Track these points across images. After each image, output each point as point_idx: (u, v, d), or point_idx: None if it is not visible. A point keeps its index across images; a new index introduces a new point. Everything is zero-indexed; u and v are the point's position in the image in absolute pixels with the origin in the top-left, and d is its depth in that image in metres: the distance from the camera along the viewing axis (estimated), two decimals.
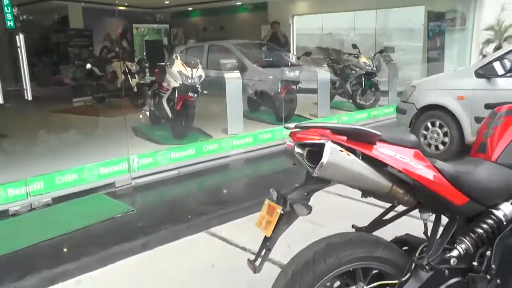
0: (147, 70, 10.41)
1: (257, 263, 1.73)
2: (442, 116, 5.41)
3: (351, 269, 1.72)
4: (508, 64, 2.72)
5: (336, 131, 1.68)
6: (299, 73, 7.81)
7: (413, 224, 2.10)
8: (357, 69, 9.25)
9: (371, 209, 2.27)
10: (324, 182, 1.77)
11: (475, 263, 1.80)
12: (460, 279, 1.80)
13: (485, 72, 4.89)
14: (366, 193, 1.87)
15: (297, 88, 7.75)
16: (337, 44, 13.38)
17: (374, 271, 1.77)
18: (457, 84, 5.36)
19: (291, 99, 7.57)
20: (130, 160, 4.81)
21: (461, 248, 1.76)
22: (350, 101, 9.31)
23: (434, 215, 1.85)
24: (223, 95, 6.36)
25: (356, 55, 9.39)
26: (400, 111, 6.04)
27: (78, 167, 4.47)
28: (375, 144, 1.67)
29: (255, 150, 6.08)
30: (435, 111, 5.49)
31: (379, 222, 2.09)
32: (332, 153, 1.55)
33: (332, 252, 1.68)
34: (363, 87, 9.15)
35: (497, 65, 4.67)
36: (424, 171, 1.69)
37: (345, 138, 1.65)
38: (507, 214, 1.82)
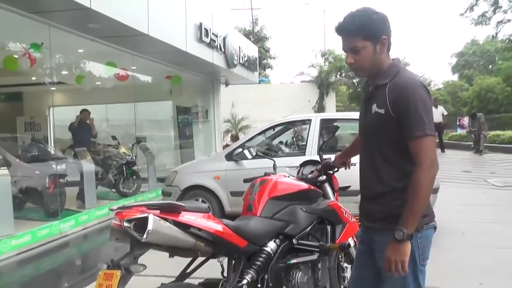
0: None
1: None
2: (204, 194, 6.45)
3: None
4: (246, 151, 3.81)
5: (150, 207, 2.31)
6: (66, 166, 7.93)
7: (208, 272, 2.78)
8: (118, 159, 9.74)
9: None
10: (145, 247, 2.34)
11: (259, 286, 2.59)
12: None
13: (232, 157, 6.33)
14: (173, 252, 2.50)
15: (65, 181, 7.83)
16: None
17: None
18: (213, 166, 6.56)
19: (60, 193, 7.56)
20: None
21: (249, 277, 2.52)
22: (114, 190, 9.65)
23: (226, 259, 2.60)
24: None
25: (116, 146, 9.95)
26: (165, 194, 6.86)
27: None
28: (180, 213, 2.35)
29: (32, 248, 5.93)
30: (197, 190, 6.50)
31: (184, 275, 2.72)
32: (154, 222, 2.14)
33: None
34: (125, 175, 9.61)
35: (239, 152, 6.11)
36: (216, 226, 2.43)
37: (158, 211, 2.28)
38: (273, 248, 2.70)
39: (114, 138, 9.99)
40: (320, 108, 22.01)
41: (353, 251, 3.49)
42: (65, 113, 11.99)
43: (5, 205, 5.99)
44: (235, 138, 16.34)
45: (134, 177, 9.81)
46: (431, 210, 2.21)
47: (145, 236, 2.09)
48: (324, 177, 3.36)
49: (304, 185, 3.08)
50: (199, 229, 2.34)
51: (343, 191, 3.55)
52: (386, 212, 2.18)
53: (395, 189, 2.14)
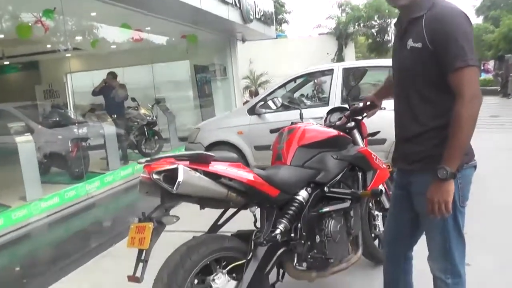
0: None
1: (138, 274, 2.12)
2: (227, 149, 6.39)
3: (208, 262, 2.24)
4: (271, 102, 3.69)
5: (179, 158, 2.24)
6: (87, 129, 7.98)
7: (239, 225, 2.74)
8: (139, 121, 9.80)
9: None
10: (175, 200, 2.29)
11: (292, 235, 2.54)
12: (285, 249, 2.51)
13: (254, 111, 6.27)
14: (204, 204, 2.45)
15: (88, 144, 7.89)
16: None
17: (223, 262, 2.34)
18: (235, 122, 6.49)
19: (83, 156, 7.64)
20: None
21: (282, 226, 2.47)
22: (136, 151, 9.73)
23: (259, 209, 2.54)
24: (12, 162, 6.15)
25: (136, 108, 9.96)
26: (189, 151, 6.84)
27: None
28: (210, 163, 2.28)
29: (61, 210, 6.04)
30: (221, 146, 6.46)
31: (215, 227, 2.69)
32: (184, 173, 2.08)
33: (193, 251, 2.18)
34: (147, 136, 9.71)
35: (261, 105, 6.06)
36: (248, 175, 2.36)
37: (187, 162, 2.21)
38: (304, 197, 2.63)
39: (133, 100, 9.94)
40: (340, 60, 21.69)
41: (384, 199, 3.44)
42: (83, 79, 12.04)
43: (32, 170, 6.08)
44: (254, 93, 16.18)
45: (156, 137, 9.90)
46: (471, 149, 2.10)
47: (175, 187, 2.03)
48: (353, 123, 3.27)
49: (333, 132, 2.98)
50: (230, 179, 2.28)
51: (371, 137, 3.46)
52: (424, 153, 2.08)
53: (432, 128, 2.04)
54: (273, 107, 3.67)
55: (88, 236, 5.18)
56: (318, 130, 2.99)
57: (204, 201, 2.37)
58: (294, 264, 2.59)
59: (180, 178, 2.04)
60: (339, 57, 22.00)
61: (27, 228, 5.40)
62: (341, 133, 3.04)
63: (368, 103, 2.99)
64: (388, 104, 2.57)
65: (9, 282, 3.98)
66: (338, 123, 3.30)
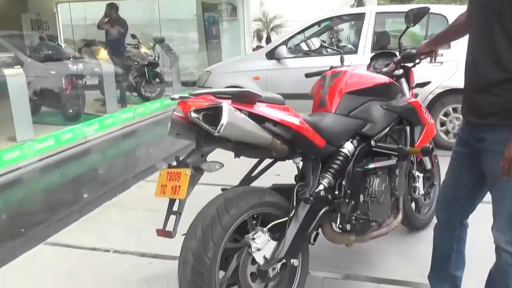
0: None
1: (168, 228, 1.98)
2: None
3: (246, 219, 2.09)
4: (304, 44, 3.48)
5: (219, 95, 2.06)
6: (83, 66, 7.75)
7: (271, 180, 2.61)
8: (139, 60, 9.50)
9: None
10: (213, 144, 2.14)
11: (336, 192, 2.41)
12: (328, 208, 2.37)
13: (274, 55, 6.03)
14: (241, 152, 2.29)
15: (84, 83, 7.68)
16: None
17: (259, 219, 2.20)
18: (251, 66, 6.28)
19: (79, 95, 7.44)
20: None
21: (325, 182, 2.33)
22: (135, 94, 9.52)
23: (301, 163, 2.38)
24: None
25: (136, 46, 9.64)
26: None
27: None
28: (255, 103, 2.11)
29: (57, 153, 5.91)
30: None
31: (247, 180, 2.56)
32: (230, 113, 1.90)
33: (231, 204, 2.02)
34: (147, 78, 9.47)
35: (283, 49, 5.83)
36: (295, 119, 2.19)
37: (229, 101, 2.04)
38: (350, 150, 2.48)
39: (133, 37, 9.62)
40: (360, 5, 21.06)
41: (426, 158, 3.32)
42: (76, 10, 11.60)
43: (22, 107, 5.87)
44: (267, 39, 15.79)
45: (157, 79, 9.66)
46: None
47: (218, 128, 1.86)
48: (401, 71, 3.11)
49: (384, 78, 2.80)
50: (275, 124, 2.11)
51: (421, 88, 3.30)
52: (502, 105, 1.91)
53: None
54: (306, 48, 3.46)
55: (88, 183, 5.05)
56: (368, 75, 2.83)
57: (243, 148, 2.21)
58: (336, 225, 2.48)
59: (225, 119, 1.86)
60: (359, 4, 21.42)
61: (20, 172, 5.27)
62: (393, 80, 2.87)
63: (425, 49, 2.81)
64: None
65: (4, 230, 3.86)
66: (384, 69, 3.13)
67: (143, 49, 9.56)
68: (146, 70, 9.43)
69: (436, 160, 3.48)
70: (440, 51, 2.89)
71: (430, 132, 3.08)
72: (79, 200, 4.38)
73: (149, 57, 9.47)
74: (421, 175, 3.28)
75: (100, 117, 7.24)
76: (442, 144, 5.32)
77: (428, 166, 3.35)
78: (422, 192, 3.25)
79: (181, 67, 10.40)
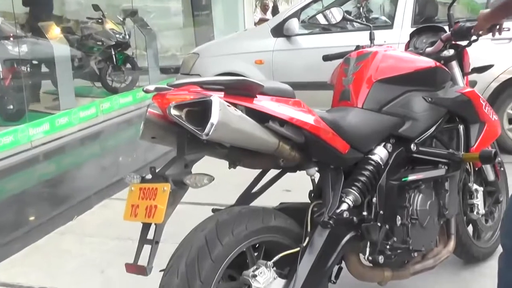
0: None
1: (141, 262, 1.96)
2: None
3: (244, 249, 2.08)
4: (321, 16, 3.47)
5: (208, 85, 2.06)
6: (28, 48, 7.79)
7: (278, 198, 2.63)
8: (103, 40, 9.51)
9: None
10: (200, 151, 2.14)
11: (365, 213, 2.41)
12: (354, 234, 2.37)
13: (282, 31, 6.04)
14: (237, 160, 2.28)
15: (28, 70, 7.74)
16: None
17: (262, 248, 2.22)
18: (252, 46, 6.31)
19: (21, 87, 7.46)
20: None
21: (350, 200, 2.32)
22: (99, 84, 9.60)
23: (317, 175, 2.39)
24: None
25: (100, 20, 9.67)
26: None
27: None
28: (256, 96, 2.10)
29: None
30: None
31: (246, 197, 2.56)
32: (221, 109, 1.86)
33: (225, 230, 2.00)
34: (115, 63, 9.55)
35: (294, 23, 5.84)
36: (308, 117, 2.18)
37: (222, 93, 2.04)
38: (383, 157, 2.48)
39: (96, 8, 9.66)
40: None
41: (487, 168, 3.32)
42: None
43: None
44: (273, 9, 15.87)
45: (128, 65, 9.76)
46: None
47: (207, 130, 1.84)
48: (452, 51, 3.11)
49: (429, 61, 2.81)
50: (282, 123, 2.12)
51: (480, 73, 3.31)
52: None
53: None
54: (332, 20, 3.47)
55: (35, 203, 5.09)
56: (406, 57, 2.84)
57: (239, 155, 2.22)
58: (365, 257, 2.48)
59: (215, 117, 1.84)
60: None
61: None
62: (440, 64, 2.88)
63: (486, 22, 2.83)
64: None
65: None
66: (429, 49, 3.14)
67: (109, 25, 9.61)
68: (113, 53, 9.52)
69: (502, 169, 3.48)
70: (506, 25, 2.90)
71: (492, 132, 3.09)
72: (22, 224, 4.40)
73: (117, 36, 9.54)
74: (480, 189, 3.28)
75: (51, 116, 7.30)
76: (510, 148, 5.33)
77: (491, 177, 3.35)
78: (482, 211, 3.24)
79: (160, 48, 10.49)
